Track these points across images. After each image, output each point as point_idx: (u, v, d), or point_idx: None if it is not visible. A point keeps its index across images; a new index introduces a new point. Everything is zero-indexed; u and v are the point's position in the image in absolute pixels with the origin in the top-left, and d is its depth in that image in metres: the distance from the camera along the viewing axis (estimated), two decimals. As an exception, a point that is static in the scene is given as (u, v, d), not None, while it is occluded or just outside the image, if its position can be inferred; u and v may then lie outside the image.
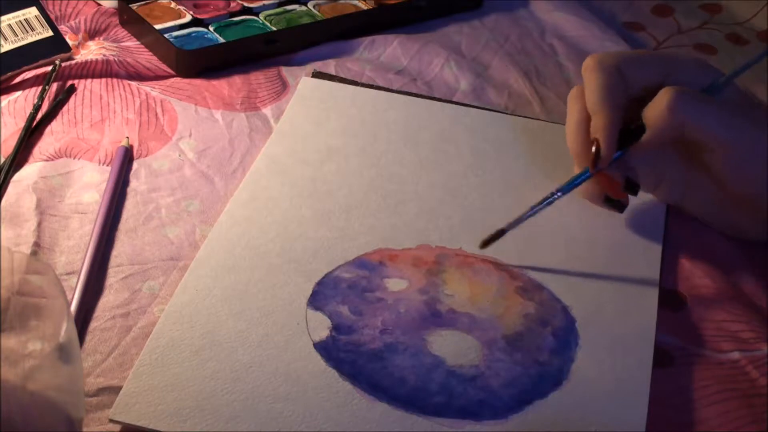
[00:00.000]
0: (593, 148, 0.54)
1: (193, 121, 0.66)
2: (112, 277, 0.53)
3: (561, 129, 0.66)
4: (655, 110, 0.53)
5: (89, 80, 0.68)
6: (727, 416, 0.48)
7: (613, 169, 0.55)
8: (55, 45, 0.70)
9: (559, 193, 0.55)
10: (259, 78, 0.71)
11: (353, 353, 0.49)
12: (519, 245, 0.56)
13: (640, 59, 0.57)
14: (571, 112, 0.58)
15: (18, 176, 0.59)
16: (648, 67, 0.56)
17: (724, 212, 0.57)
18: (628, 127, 0.55)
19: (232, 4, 0.78)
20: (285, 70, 0.72)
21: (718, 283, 0.55)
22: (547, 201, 0.55)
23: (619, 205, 0.57)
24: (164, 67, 0.71)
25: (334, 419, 0.46)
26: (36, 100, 0.65)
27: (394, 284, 0.54)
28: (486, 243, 0.55)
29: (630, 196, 0.56)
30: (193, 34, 0.74)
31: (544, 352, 0.50)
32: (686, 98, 0.53)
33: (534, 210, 0.55)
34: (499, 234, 0.55)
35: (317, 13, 0.78)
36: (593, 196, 0.57)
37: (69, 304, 0.41)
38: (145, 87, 0.69)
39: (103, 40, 0.74)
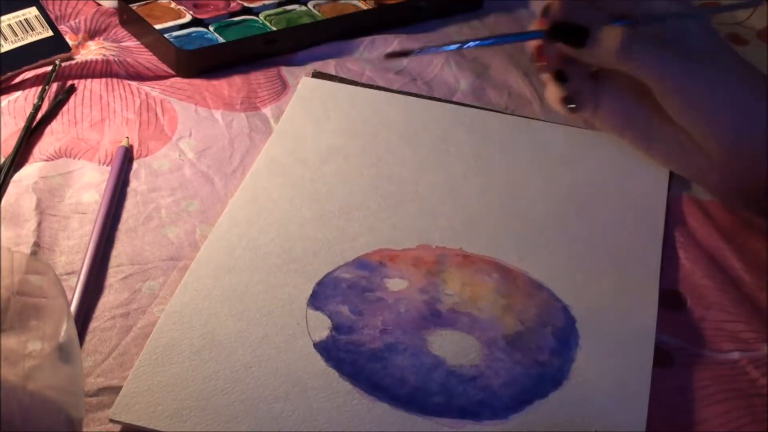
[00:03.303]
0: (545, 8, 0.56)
1: (193, 121, 0.66)
2: (112, 277, 0.53)
3: (561, 129, 0.66)
4: (605, 38, 0.54)
5: (89, 80, 0.68)
6: (727, 416, 0.48)
7: (551, 53, 0.57)
8: (55, 45, 0.70)
9: (472, 43, 0.56)
10: (259, 78, 0.71)
11: (353, 353, 0.49)
12: (519, 245, 0.56)
13: None
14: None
15: (18, 176, 0.59)
16: None
17: (687, 158, 0.58)
18: (571, 23, 0.55)
19: (232, 4, 0.78)
20: (285, 70, 0.72)
21: (718, 283, 0.55)
22: (470, 43, 0.56)
23: (571, 102, 0.58)
24: (164, 67, 0.71)
25: (334, 419, 0.46)
26: (36, 100, 0.65)
27: (395, 284, 0.54)
28: (391, 55, 0.56)
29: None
30: (193, 34, 0.74)
31: (544, 352, 0.50)
32: (638, 39, 0.54)
33: (454, 45, 0.55)
34: (406, 53, 0.55)
35: (317, 13, 0.78)
36: (554, 101, 0.59)
37: (69, 304, 0.41)
38: (145, 87, 0.69)
39: (103, 40, 0.74)
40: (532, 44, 0.58)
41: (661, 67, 0.55)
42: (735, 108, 0.54)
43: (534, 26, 0.58)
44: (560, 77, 0.58)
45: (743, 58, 0.56)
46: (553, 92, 0.59)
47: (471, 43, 0.55)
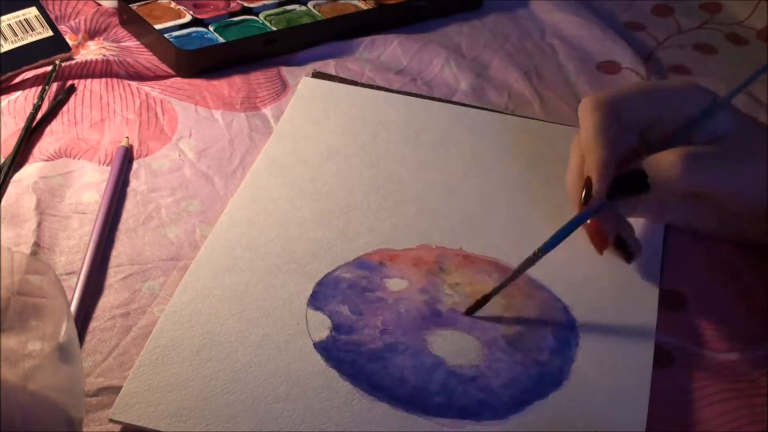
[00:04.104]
0: (584, 189, 0.53)
1: (193, 121, 0.66)
2: (112, 277, 0.53)
3: (561, 129, 0.66)
4: (663, 172, 0.51)
5: (89, 80, 0.68)
6: (727, 416, 0.48)
7: (606, 221, 0.54)
8: (55, 45, 0.70)
9: (541, 253, 0.52)
10: (259, 78, 0.71)
11: (353, 353, 0.49)
12: (519, 245, 0.56)
13: (633, 95, 0.55)
14: (571, 161, 0.56)
15: (18, 176, 0.59)
16: (643, 103, 0.55)
17: (728, 227, 0.57)
18: (625, 174, 0.52)
19: (232, 4, 0.78)
20: (285, 70, 0.72)
21: (718, 283, 0.55)
22: (530, 262, 0.52)
23: (625, 254, 0.54)
24: (164, 67, 0.71)
25: (334, 419, 0.46)
26: (36, 100, 0.65)
27: (395, 284, 0.54)
28: (472, 310, 0.52)
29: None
30: (193, 34, 0.74)
31: (544, 352, 0.50)
32: (696, 163, 0.51)
33: (517, 273, 0.52)
34: (485, 300, 0.52)
35: (317, 13, 0.78)
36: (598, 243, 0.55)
37: (69, 304, 0.41)
38: (145, 87, 0.69)
39: (103, 40, 0.74)
40: (590, 232, 0.54)
41: (723, 180, 0.52)
42: None
43: (578, 210, 0.54)
44: (621, 243, 0.54)
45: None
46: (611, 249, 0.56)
47: (545, 250, 0.52)
